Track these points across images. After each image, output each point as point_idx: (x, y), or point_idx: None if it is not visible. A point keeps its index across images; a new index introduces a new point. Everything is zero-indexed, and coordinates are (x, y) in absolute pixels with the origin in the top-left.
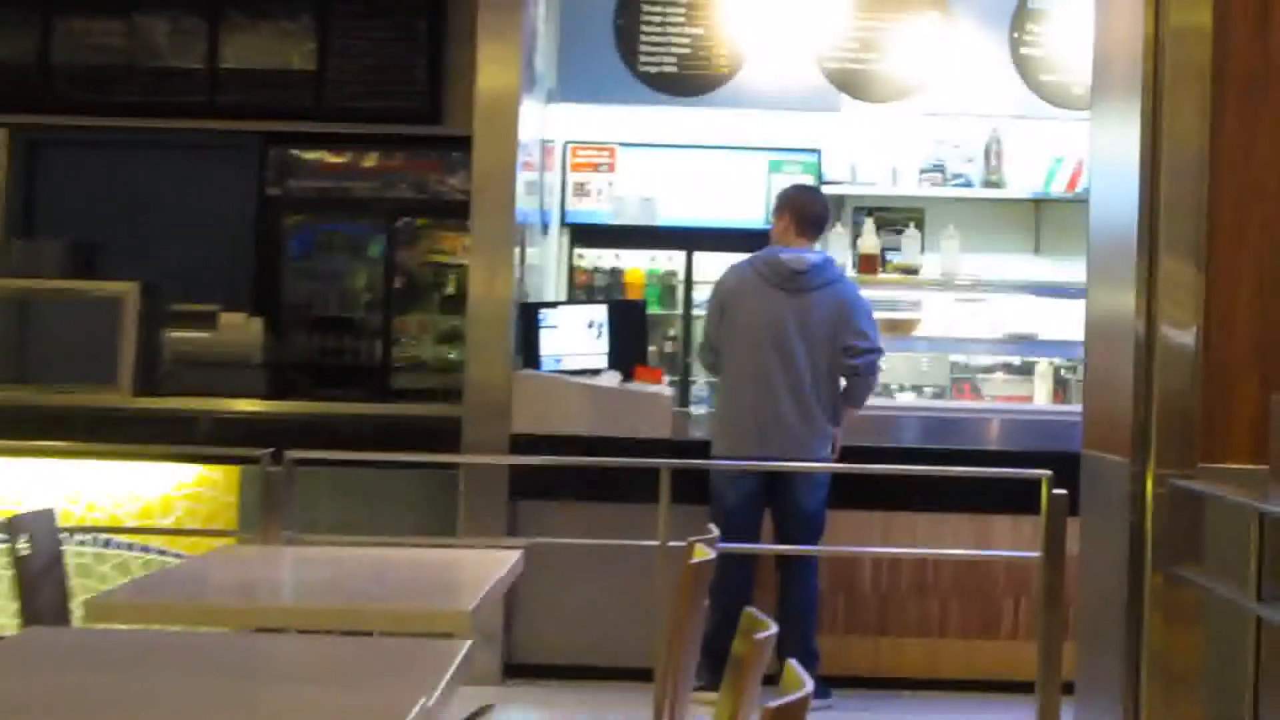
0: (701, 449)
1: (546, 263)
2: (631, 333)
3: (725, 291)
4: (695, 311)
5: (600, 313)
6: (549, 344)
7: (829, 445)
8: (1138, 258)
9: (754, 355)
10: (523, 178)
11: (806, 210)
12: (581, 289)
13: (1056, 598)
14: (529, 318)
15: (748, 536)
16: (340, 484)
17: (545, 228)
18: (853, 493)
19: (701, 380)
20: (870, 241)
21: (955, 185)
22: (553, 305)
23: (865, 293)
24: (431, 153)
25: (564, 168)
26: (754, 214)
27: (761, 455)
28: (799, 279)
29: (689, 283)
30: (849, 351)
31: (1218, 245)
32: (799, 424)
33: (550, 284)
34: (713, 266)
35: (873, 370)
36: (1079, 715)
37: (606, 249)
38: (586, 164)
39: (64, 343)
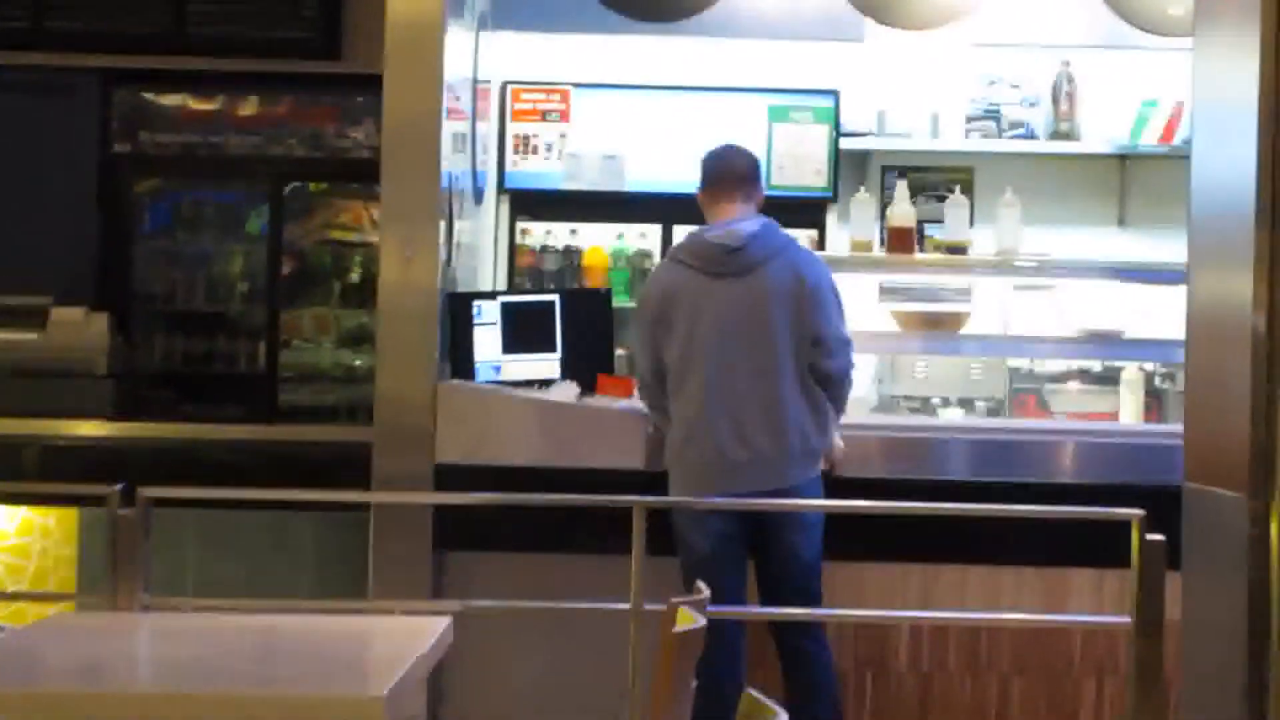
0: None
1: (481, 240)
2: (592, 331)
3: (659, 299)
4: None
5: (551, 305)
6: (485, 347)
7: (818, 469)
8: (1256, 230)
9: (701, 368)
10: (449, 129)
11: (714, 168)
12: (527, 274)
13: (1152, 676)
14: (459, 312)
15: (730, 595)
16: (213, 531)
17: (479, 195)
18: (883, 540)
19: None
20: (903, 211)
21: (1014, 137)
22: (490, 296)
23: (898, 278)
24: (328, 97)
25: (502, 116)
26: None
27: (725, 494)
28: (735, 258)
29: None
30: (819, 349)
31: None
32: (772, 449)
33: (486, 268)
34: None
35: (849, 374)
36: None
37: (559, 222)
38: (531, 111)
39: None
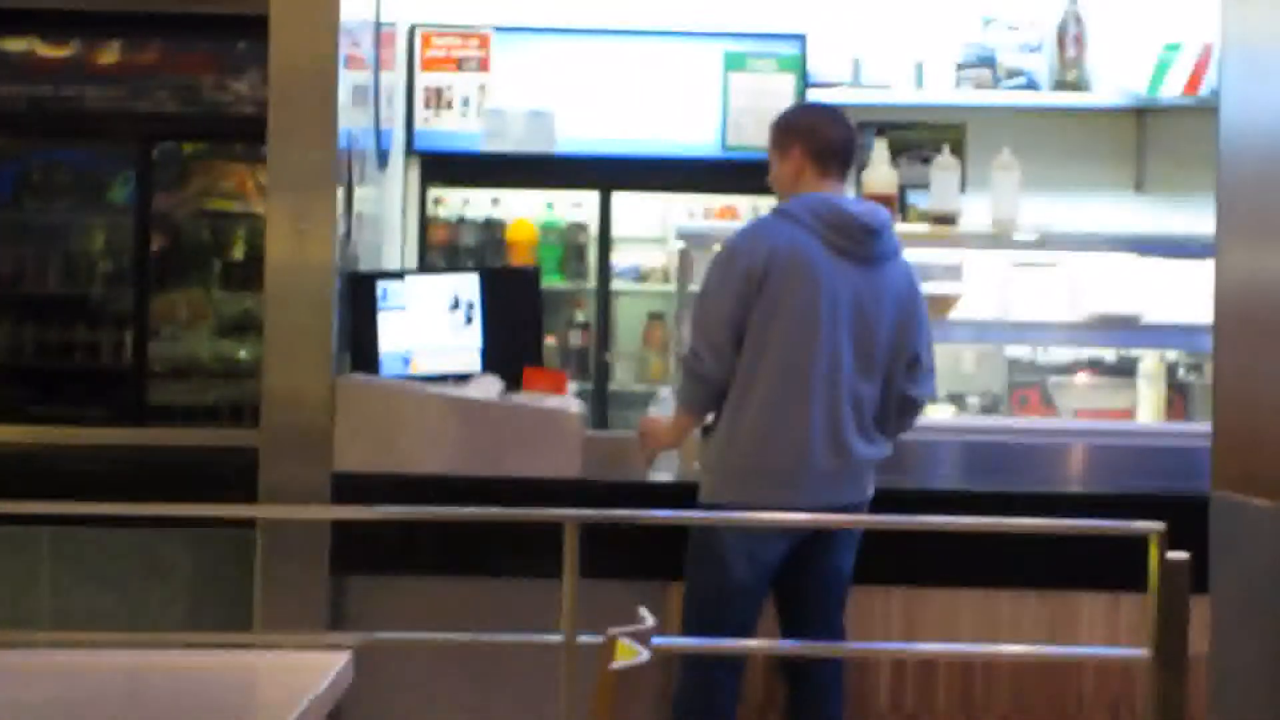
0: (633, 494)
1: (387, 211)
2: (519, 317)
3: (767, 258)
4: (618, 284)
5: (470, 286)
6: (392, 335)
7: None
8: None
9: (809, 355)
10: (347, 80)
11: (826, 137)
12: (441, 251)
13: (1174, 715)
14: (361, 295)
15: (749, 630)
16: (69, 551)
17: (383, 158)
18: (861, 560)
19: (630, 383)
20: (882, 175)
21: (1012, 88)
22: (397, 276)
23: None
24: (204, 42)
25: (411, 65)
26: (703, 136)
27: (808, 507)
28: (872, 243)
29: (605, 240)
30: (913, 371)
31: None
32: (866, 460)
33: (393, 243)
34: (642, 216)
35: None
36: None
37: (478, 189)
38: (445, 60)
39: None
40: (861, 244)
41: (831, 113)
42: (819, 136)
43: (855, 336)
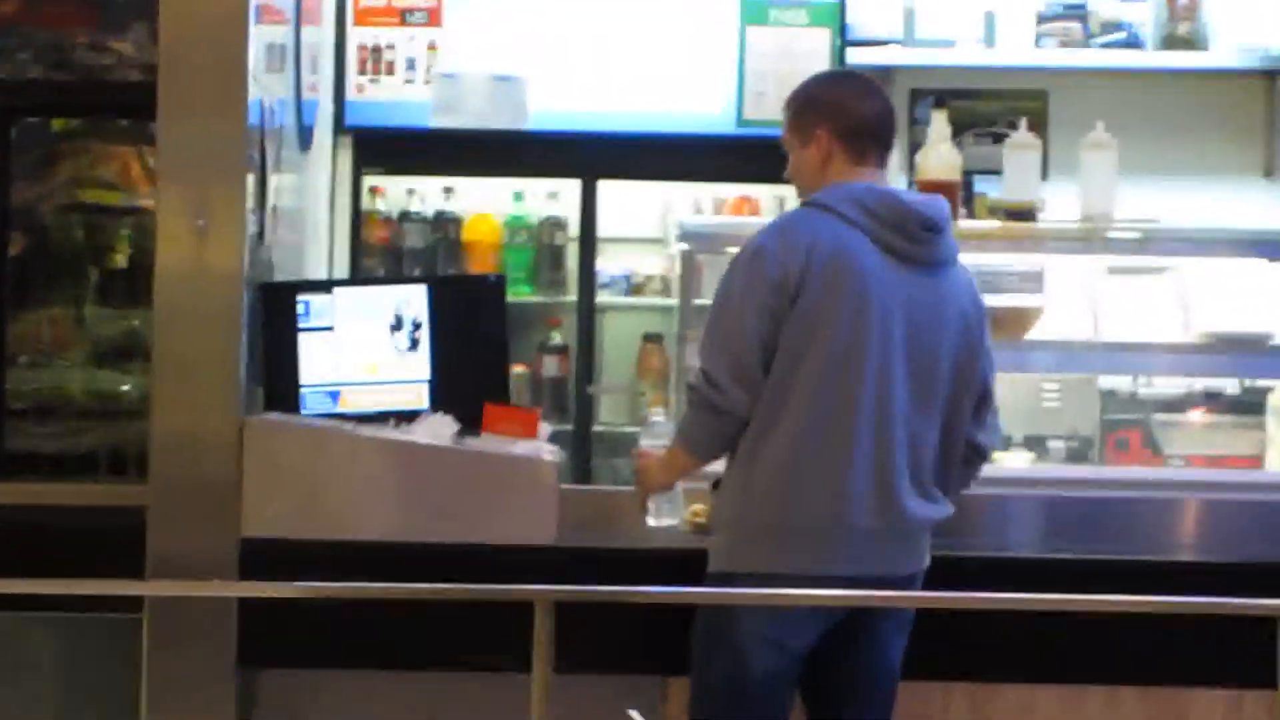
0: (623, 564)
1: (311, 205)
2: (478, 339)
3: (804, 261)
4: (605, 297)
5: (416, 300)
6: (317, 363)
7: None
8: None
9: (857, 387)
10: (259, 37)
11: (858, 112)
12: (380, 254)
13: None
14: (277, 312)
15: None
16: None
17: (306, 137)
18: (917, 646)
19: (620, 422)
20: (942, 157)
21: (1108, 45)
22: (324, 287)
23: None
24: None
25: (341, 18)
26: (713, 107)
27: (847, 579)
28: (934, 244)
29: (589, 241)
30: (980, 411)
31: None
32: (922, 521)
33: (319, 246)
34: (636, 211)
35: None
36: None
37: (427, 176)
38: (385, 10)
39: None
40: (921, 244)
41: (862, 82)
42: (849, 112)
43: (912, 363)
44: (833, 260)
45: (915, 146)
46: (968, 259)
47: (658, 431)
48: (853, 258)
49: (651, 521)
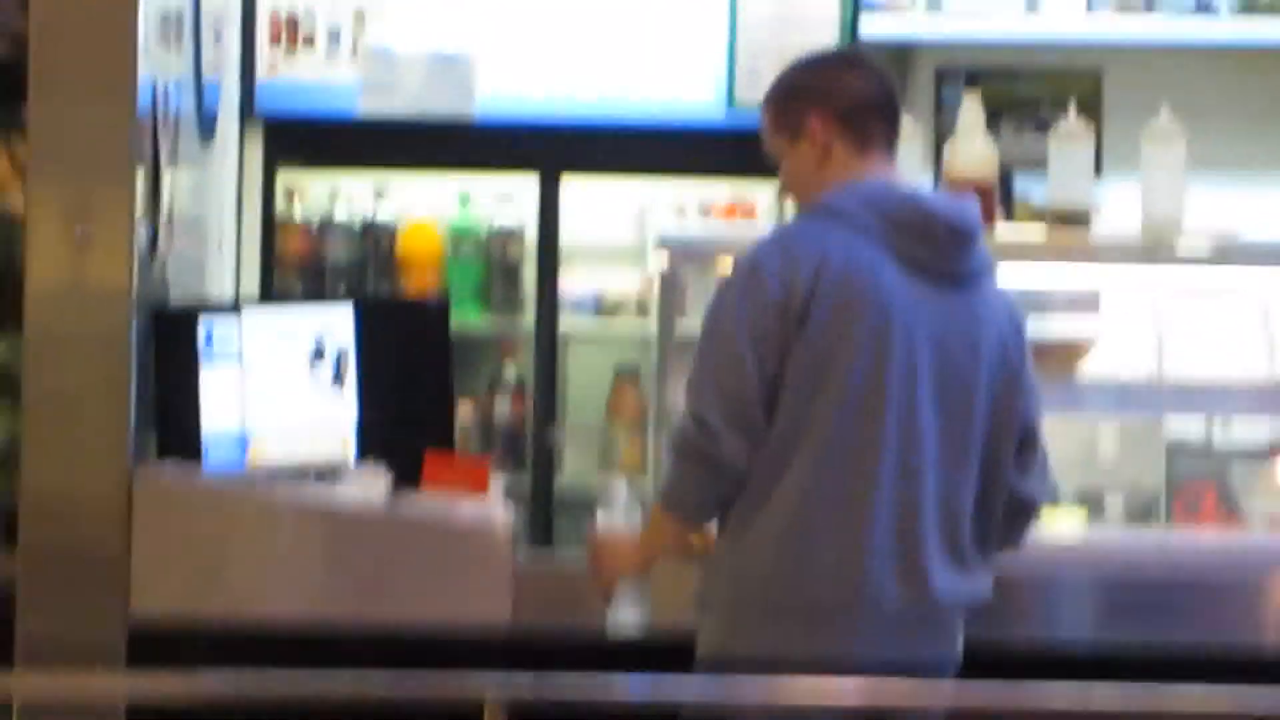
0: (590, 651)
1: (214, 209)
2: (416, 373)
3: (812, 278)
4: (570, 322)
5: (341, 326)
6: (222, 403)
7: None
8: None
9: (877, 432)
10: (151, 5)
11: (854, 91)
12: (297, 270)
13: None
14: (173, 341)
15: None
16: None
17: (208, 126)
18: None
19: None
20: (974, 150)
21: (1175, 14)
22: (229, 310)
23: None
24: None
25: None
26: (698, 90)
27: (865, 667)
28: (964, 254)
29: (550, 253)
30: (1025, 454)
31: None
32: (957, 597)
33: (224, 258)
34: (606, 216)
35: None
36: None
37: (355, 173)
38: None
39: None
40: (949, 256)
41: (850, 55)
42: (843, 90)
43: (942, 400)
44: (845, 278)
45: (942, 137)
46: (1006, 275)
47: (618, 507)
48: (869, 274)
49: (620, 616)
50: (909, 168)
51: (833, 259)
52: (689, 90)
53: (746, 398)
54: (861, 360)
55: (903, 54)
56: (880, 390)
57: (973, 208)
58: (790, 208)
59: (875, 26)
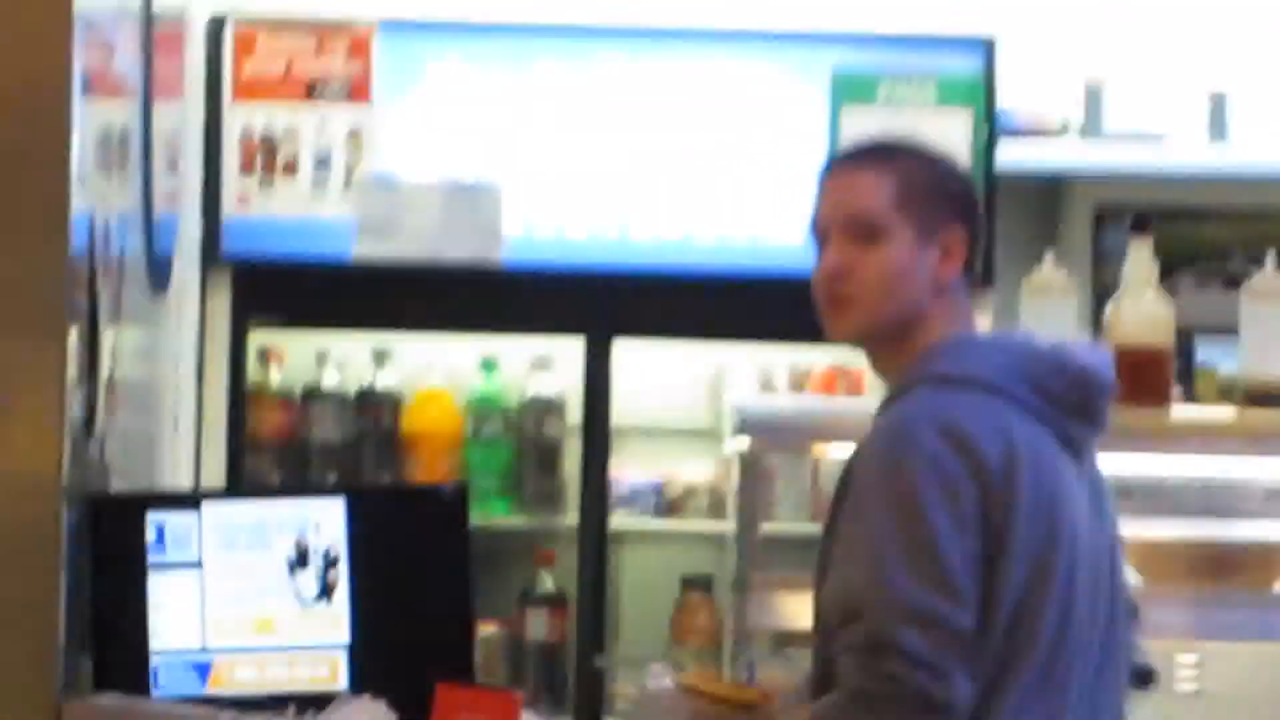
0: None
1: (169, 375)
2: (426, 582)
3: (1006, 464)
4: (622, 520)
5: (330, 522)
6: (177, 617)
7: None
8: None
9: (1071, 645)
10: (91, 118)
11: (979, 215)
12: (272, 452)
13: None
14: (117, 539)
15: None
16: None
17: (162, 271)
18: None
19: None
20: (1146, 309)
21: None
22: (188, 502)
23: (1132, 461)
24: None
25: (215, 94)
26: (789, 230)
27: None
28: (1104, 419)
29: (598, 433)
30: (1135, 619)
31: None
32: None
33: (180, 436)
34: (669, 386)
35: None
36: None
37: (346, 332)
38: (282, 81)
39: None
40: (1092, 419)
41: (947, 164)
42: (980, 220)
43: (1095, 590)
44: (1034, 463)
45: (1104, 293)
46: (1184, 463)
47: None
48: (1047, 459)
49: None
50: (1060, 331)
51: (1017, 437)
52: (775, 232)
53: (965, 623)
54: (1056, 557)
55: (1053, 187)
56: (1069, 589)
57: (1109, 358)
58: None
59: (1018, 153)
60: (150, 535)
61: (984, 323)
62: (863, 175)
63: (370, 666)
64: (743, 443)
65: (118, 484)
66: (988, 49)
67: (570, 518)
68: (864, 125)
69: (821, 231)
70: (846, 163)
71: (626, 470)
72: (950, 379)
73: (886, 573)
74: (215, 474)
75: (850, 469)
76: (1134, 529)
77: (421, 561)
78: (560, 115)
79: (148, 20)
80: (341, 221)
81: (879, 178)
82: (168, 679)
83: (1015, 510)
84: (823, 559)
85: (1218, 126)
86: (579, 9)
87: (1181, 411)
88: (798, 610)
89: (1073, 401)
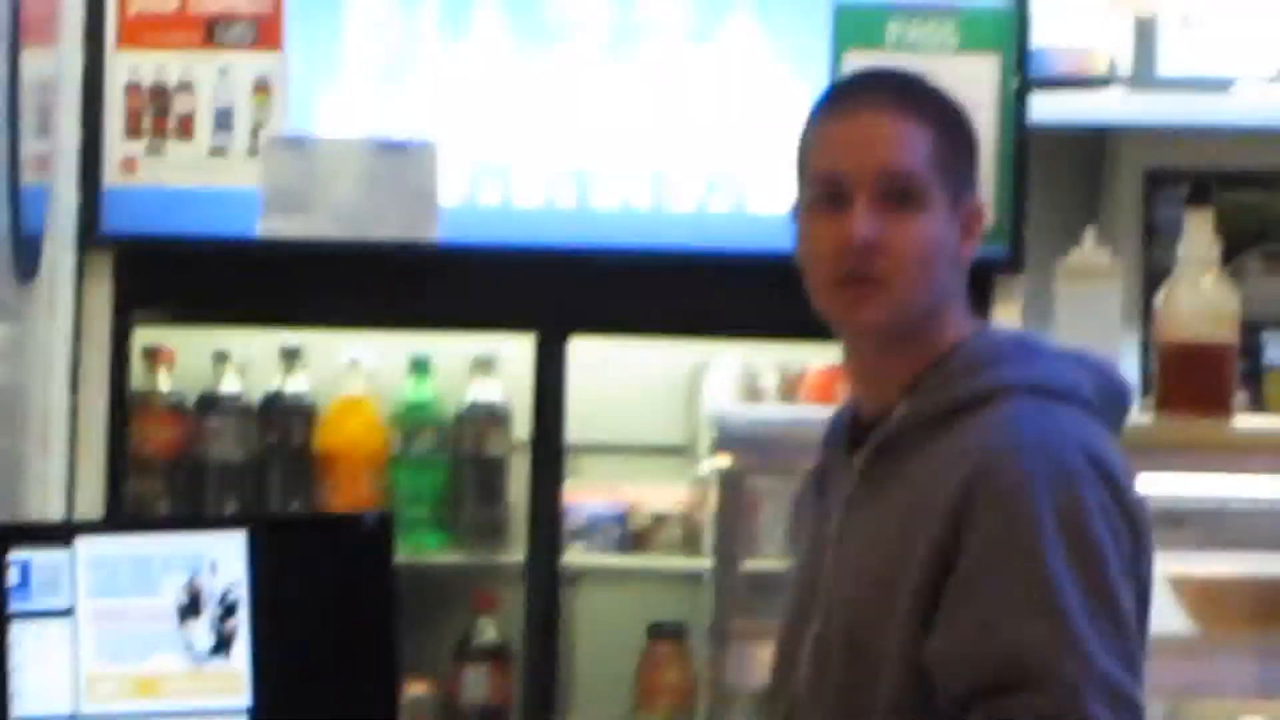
0: None
1: (38, 380)
2: (343, 631)
3: (1136, 505)
4: (579, 553)
5: (228, 559)
6: (44, 673)
7: None
8: None
9: None
10: None
11: None
12: (163, 471)
13: None
14: None
15: None
16: None
17: (30, 254)
18: None
19: None
20: (1206, 296)
21: None
22: (58, 535)
23: (1186, 485)
24: None
25: (97, 39)
26: (778, 200)
27: None
28: None
29: (550, 447)
30: None
31: None
32: None
33: (50, 458)
34: (640, 395)
35: None
36: None
37: (249, 325)
38: (173, 23)
39: None
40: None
41: None
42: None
43: None
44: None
45: (1156, 275)
46: (1249, 484)
47: None
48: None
49: None
50: (1104, 320)
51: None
52: (763, 201)
53: (1141, 700)
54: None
55: (1095, 146)
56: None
57: None
58: None
59: (1051, 107)
60: (13, 577)
61: (1011, 315)
62: (899, 121)
63: None
64: (723, 461)
65: None
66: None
67: (516, 553)
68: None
69: (833, 187)
70: (870, 101)
71: (584, 495)
72: (1051, 391)
73: (1075, 635)
74: (92, 501)
75: (940, 485)
76: (1188, 564)
77: (338, 607)
78: (507, 60)
79: None
80: (245, 193)
81: (918, 127)
82: None
83: (1150, 557)
84: (887, 594)
85: None
86: None
87: (1246, 422)
88: None
89: (1118, 424)
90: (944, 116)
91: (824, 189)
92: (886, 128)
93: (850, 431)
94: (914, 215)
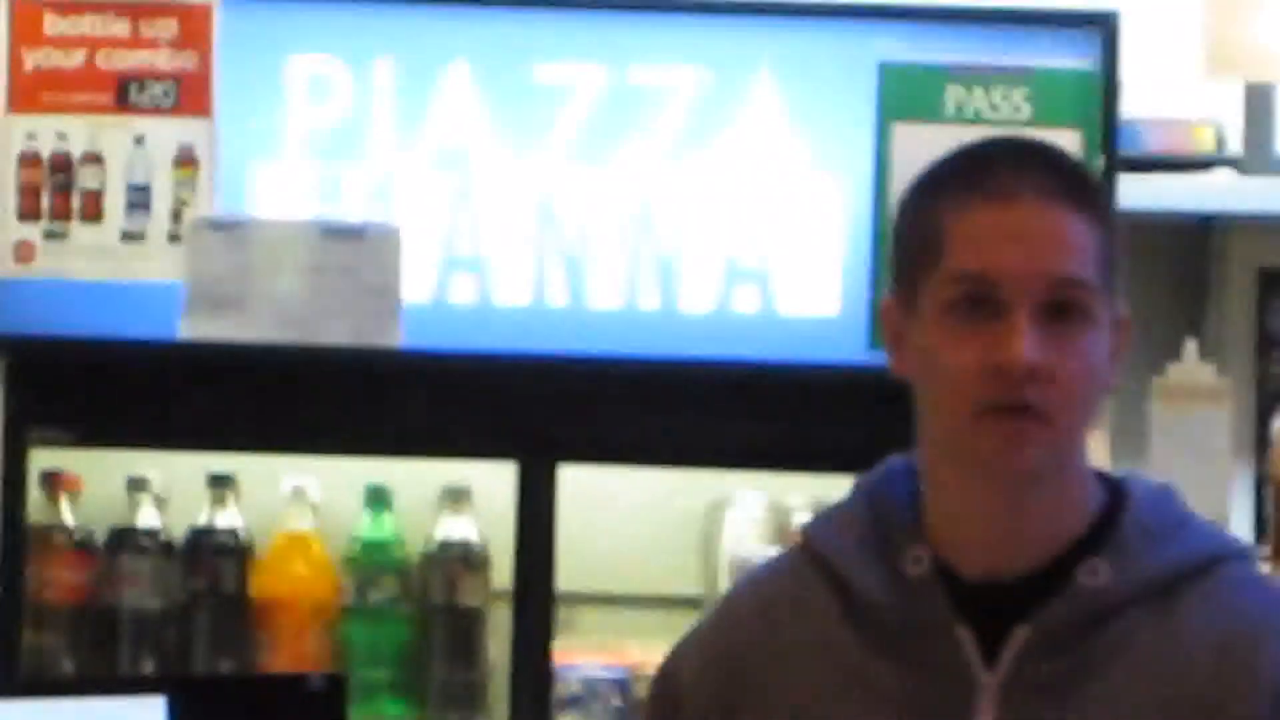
0: None
1: None
2: None
3: None
4: None
5: None
6: None
7: None
8: None
9: None
10: None
11: None
12: (66, 623)
13: None
14: None
15: None
16: None
17: None
18: None
19: None
20: None
21: None
22: None
23: None
24: None
25: None
26: (821, 301)
27: None
28: None
29: (537, 597)
30: None
31: None
32: None
33: None
34: (647, 533)
35: None
36: None
37: (168, 449)
38: (77, 81)
39: None
40: None
41: None
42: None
43: None
44: None
45: (1272, 395)
46: None
47: None
48: None
49: None
50: (1209, 449)
51: None
52: (795, 301)
53: None
54: None
55: (1198, 239)
56: None
57: None
58: None
59: (1142, 192)
60: None
61: (1097, 446)
62: (1069, 216)
63: None
64: None
65: None
66: (1107, 33)
67: None
68: (923, 149)
69: (984, 290)
70: (1032, 185)
71: (577, 655)
72: (1247, 555)
73: None
74: None
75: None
76: None
77: None
78: (483, 129)
79: None
80: (165, 287)
81: (1087, 224)
82: None
83: None
84: None
85: None
86: None
87: None
88: None
89: None
90: (1105, 207)
91: (969, 290)
92: (1055, 223)
93: (949, 590)
94: (1082, 333)
